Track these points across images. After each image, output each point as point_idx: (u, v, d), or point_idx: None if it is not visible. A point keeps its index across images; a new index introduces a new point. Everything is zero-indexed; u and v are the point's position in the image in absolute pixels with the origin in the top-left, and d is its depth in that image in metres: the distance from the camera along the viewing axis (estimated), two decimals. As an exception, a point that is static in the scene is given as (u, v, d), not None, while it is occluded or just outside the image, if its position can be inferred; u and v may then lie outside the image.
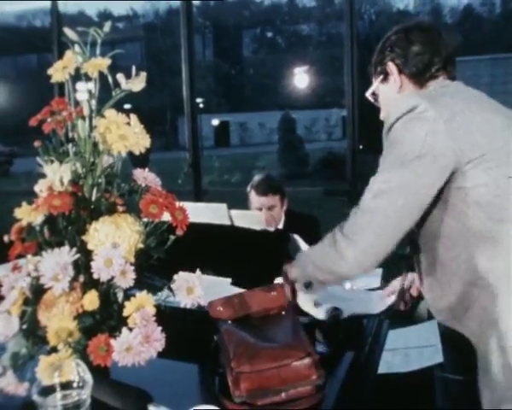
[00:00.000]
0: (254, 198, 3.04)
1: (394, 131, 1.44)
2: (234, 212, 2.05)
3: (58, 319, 1.13)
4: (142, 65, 25.05)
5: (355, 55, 4.50)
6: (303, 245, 2.12)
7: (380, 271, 2.17)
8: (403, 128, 1.43)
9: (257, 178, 3.12)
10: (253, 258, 1.93)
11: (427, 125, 1.40)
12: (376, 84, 1.72)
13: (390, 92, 1.68)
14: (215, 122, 26.13)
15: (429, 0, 26.71)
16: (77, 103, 1.26)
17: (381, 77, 1.69)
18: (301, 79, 16.78)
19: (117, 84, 1.27)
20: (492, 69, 14.28)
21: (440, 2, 27.19)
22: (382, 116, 1.73)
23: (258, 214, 2.60)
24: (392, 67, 1.65)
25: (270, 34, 29.36)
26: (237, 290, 1.66)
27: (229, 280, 1.87)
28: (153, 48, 27.11)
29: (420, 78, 1.62)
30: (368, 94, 1.76)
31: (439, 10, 26.95)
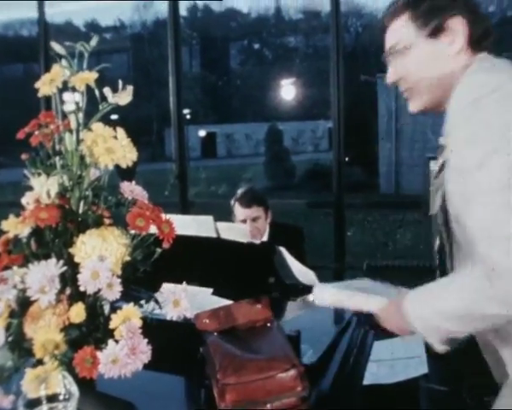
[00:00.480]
0: (239, 210, 3.08)
1: (472, 118, 1.15)
2: (220, 224, 2.06)
3: (44, 332, 1.13)
4: (129, 76, 25.01)
5: (341, 67, 4.55)
6: (288, 258, 2.14)
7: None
8: (486, 113, 1.13)
9: (240, 191, 3.16)
10: (239, 270, 1.94)
11: None
12: (417, 38, 1.32)
13: (435, 53, 1.33)
14: (202, 133, 26.13)
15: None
16: (64, 116, 1.27)
17: (430, 30, 1.32)
18: (288, 90, 16.86)
19: (104, 97, 1.28)
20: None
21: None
22: (395, 79, 1.40)
23: (244, 227, 2.62)
24: (459, 24, 1.30)
25: (257, 46, 29.46)
26: (223, 302, 1.67)
27: (211, 290, 1.88)
28: (140, 59, 27.08)
29: (479, 44, 1.32)
30: (398, 47, 1.35)
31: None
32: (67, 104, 1.25)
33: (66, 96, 1.25)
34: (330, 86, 4.65)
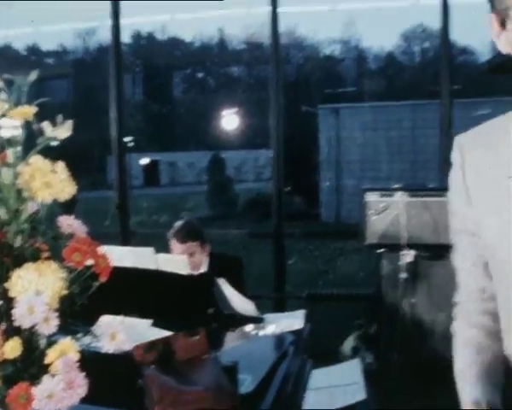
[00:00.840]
0: (175, 245, 3.09)
1: None
2: (160, 256, 2.07)
3: (-23, 368, 1.12)
4: (70, 101, 24.67)
5: (281, 97, 4.65)
6: (227, 289, 2.16)
7: (302, 312, 2.23)
8: None
9: (177, 224, 3.16)
10: (178, 302, 1.95)
11: None
12: None
13: None
14: (144, 161, 25.93)
15: (354, 47, 27.77)
16: (2, 148, 1.26)
17: None
18: (231, 119, 16.96)
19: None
20: (413, 114, 14.96)
21: (365, 49, 28.27)
22: None
23: (184, 258, 2.63)
24: None
25: (200, 75, 29.62)
26: (162, 334, 1.68)
27: (150, 321, 1.88)
28: (81, 85, 26.75)
29: None
30: None
31: (363, 57, 28.01)
32: (4, 130, 1.24)
33: (3, 121, 1.24)
34: (270, 116, 4.74)
